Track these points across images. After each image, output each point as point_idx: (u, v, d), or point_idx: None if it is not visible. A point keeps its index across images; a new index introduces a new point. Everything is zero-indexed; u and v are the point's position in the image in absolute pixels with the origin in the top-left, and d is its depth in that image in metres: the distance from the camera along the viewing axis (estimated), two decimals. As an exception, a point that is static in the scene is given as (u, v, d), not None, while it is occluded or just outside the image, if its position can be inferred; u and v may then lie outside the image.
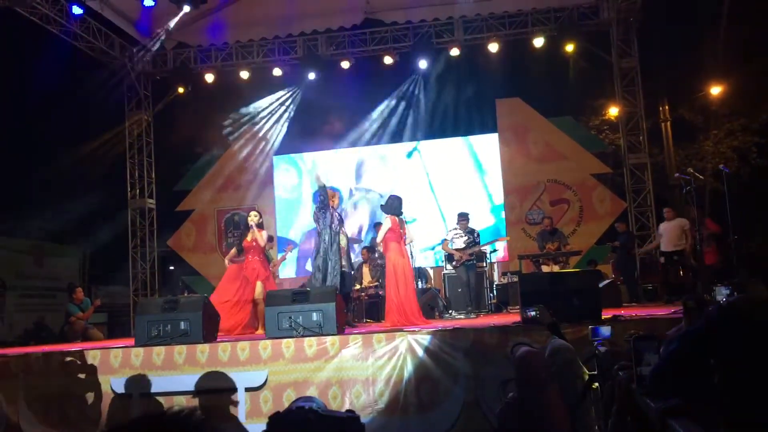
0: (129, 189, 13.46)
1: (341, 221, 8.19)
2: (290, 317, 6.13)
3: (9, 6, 10.46)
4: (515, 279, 11.38)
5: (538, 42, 12.24)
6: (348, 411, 1.73)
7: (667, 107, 15.37)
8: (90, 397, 5.96)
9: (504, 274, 11.65)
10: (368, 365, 5.83)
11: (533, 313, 5.85)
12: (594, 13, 12.32)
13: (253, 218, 8.15)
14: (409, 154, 13.65)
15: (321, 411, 1.71)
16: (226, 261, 8.59)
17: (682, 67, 15.41)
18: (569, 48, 12.25)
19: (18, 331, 14.56)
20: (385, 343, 5.87)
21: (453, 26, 12.69)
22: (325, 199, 7.76)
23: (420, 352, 5.81)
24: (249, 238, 8.08)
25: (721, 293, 5.25)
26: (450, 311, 9.83)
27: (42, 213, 15.74)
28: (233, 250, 8.51)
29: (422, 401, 5.74)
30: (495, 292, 11.08)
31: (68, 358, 6.08)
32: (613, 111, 16.02)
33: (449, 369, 5.73)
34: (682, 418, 1.70)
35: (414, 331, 6.04)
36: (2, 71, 12.84)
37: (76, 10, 11.10)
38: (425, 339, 5.83)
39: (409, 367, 5.80)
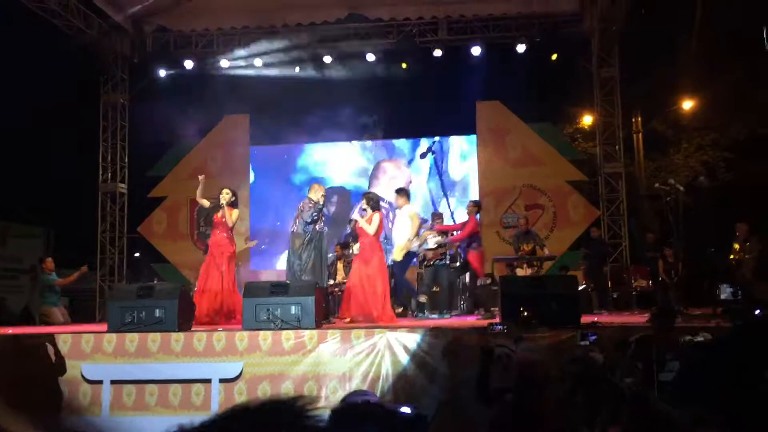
0: (101, 172, 13.19)
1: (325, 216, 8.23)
2: (268, 309, 6.06)
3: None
4: (488, 281, 11.47)
5: (521, 47, 12.33)
6: (413, 406, 1.69)
7: (639, 119, 15.59)
8: (58, 381, 5.82)
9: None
10: (346, 361, 5.80)
11: (500, 328, 5.87)
12: (577, 22, 12.42)
13: (224, 196, 8.06)
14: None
15: (387, 406, 1.67)
16: None
17: (657, 79, 15.62)
18: (550, 55, 12.35)
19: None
20: (363, 339, 5.85)
21: (437, 26, 12.72)
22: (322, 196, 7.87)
23: (398, 349, 5.80)
24: (219, 214, 8.01)
25: (726, 291, 5.45)
26: (423, 311, 9.84)
27: (7, 191, 15.35)
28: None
29: (398, 399, 5.72)
30: (467, 294, 11.11)
31: (38, 341, 5.93)
32: (589, 119, 16.25)
33: (426, 368, 5.73)
34: (715, 428, 1.70)
35: (394, 328, 6.02)
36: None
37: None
38: (404, 337, 5.82)
39: (386, 364, 5.78)
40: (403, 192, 8.89)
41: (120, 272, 13.14)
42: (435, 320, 8.53)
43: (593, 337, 3.61)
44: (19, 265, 16.64)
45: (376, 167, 13.97)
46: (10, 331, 6.60)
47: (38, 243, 17.12)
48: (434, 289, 10.02)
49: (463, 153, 13.69)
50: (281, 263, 12.99)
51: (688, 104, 16.38)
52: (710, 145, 16.49)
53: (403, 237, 8.72)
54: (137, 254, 15.78)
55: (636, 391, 2.32)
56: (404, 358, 5.77)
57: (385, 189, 12.72)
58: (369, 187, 13.38)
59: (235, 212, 8.06)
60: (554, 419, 2.63)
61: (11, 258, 16.70)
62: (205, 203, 8.09)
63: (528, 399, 3.20)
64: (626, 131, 14.38)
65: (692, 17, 14.23)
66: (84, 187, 14.14)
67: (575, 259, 12.37)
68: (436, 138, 13.69)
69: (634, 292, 11.69)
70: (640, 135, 15.58)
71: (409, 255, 9.05)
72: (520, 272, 10.23)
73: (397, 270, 8.94)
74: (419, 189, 13.45)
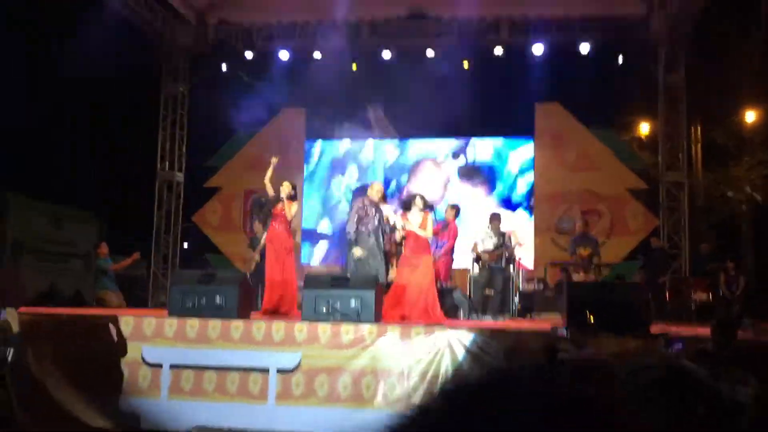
0: (159, 161, 13.38)
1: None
2: (328, 301, 6.02)
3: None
4: (541, 286, 11.29)
5: (584, 49, 12.09)
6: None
7: (699, 128, 15.19)
8: (120, 362, 5.88)
9: (530, 280, 11.50)
10: (404, 358, 5.71)
11: (564, 332, 5.72)
12: (643, 25, 12.13)
13: (285, 188, 8.02)
14: (456, 155, 13.57)
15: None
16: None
17: (720, 89, 15.18)
18: (614, 58, 12.08)
19: (30, 294, 14.52)
20: (423, 337, 5.75)
21: (499, 25, 12.55)
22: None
23: (458, 349, 5.68)
24: (279, 206, 7.98)
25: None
26: (476, 313, 9.71)
27: (64, 176, 15.67)
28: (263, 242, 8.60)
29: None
30: (519, 297, 10.95)
31: (101, 322, 6.00)
32: (645, 127, 15.87)
33: (487, 369, 5.61)
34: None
35: (454, 327, 5.92)
36: (43, 32, 12.83)
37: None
38: (465, 337, 5.70)
39: (446, 363, 5.68)
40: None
41: (173, 260, 13.29)
42: (489, 323, 8.40)
43: (679, 345, 3.45)
44: (73, 249, 16.96)
45: (417, 165, 13.90)
46: (77, 311, 6.69)
47: (93, 228, 17.44)
48: (486, 292, 9.90)
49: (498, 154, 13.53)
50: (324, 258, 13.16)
51: (751, 115, 15.88)
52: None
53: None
54: (185, 245, 15.99)
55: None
56: (465, 358, 5.66)
57: (422, 188, 12.68)
58: (407, 185, 13.39)
59: (294, 205, 8.02)
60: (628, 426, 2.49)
61: (65, 242, 17.03)
62: (271, 189, 8.05)
63: (598, 404, 3.06)
64: (686, 140, 14.01)
65: (761, 27, 13.83)
66: (141, 175, 14.38)
67: (632, 268, 12.10)
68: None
69: (693, 305, 11.34)
70: (699, 145, 15.19)
71: None
72: (576, 278, 10.03)
73: None
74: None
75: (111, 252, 11.32)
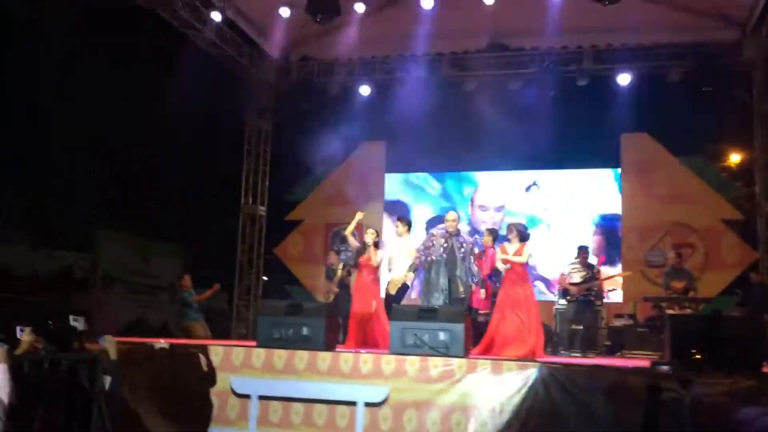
0: (243, 195, 13.65)
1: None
2: (416, 334, 5.89)
3: (150, 7, 10.86)
4: (630, 322, 10.83)
5: (672, 77, 11.73)
6: None
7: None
8: (209, 393, 5.90)
9: (618, 316, 11.05)
10: (496, 394, 5.50)
11: (667, 368, 5.40)
12: (736, 51, 11.67)
13: (370, 236, 7.99)
14: (528, 188, 13.40)
15: None
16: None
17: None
18: (705, 85, 11.64)
19: (119, 326, 14.96)
20: (516, 372, 5.53)
21: (582, 55, 12.33)
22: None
23: (553, 385, 5.44)
24: (365, 255, 7.95)
25: None
26: (561, 348, 9.39)
27: (151, 210, 16.19)
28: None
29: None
30: (608, 333, 10.54)
31: (191, 351, 6.06)
32: (738, 157, 15.20)
33: (583, 407, 5.33)
34: None
35: (548, 363, 5.68)
36: (136, 69, 13.40)
37: (216, 16, 11.41)
38: (560, 373, 5.46)
39: (540, 401, 5.44)
40: (404, 221, 8.35)
41: (255, 292, 13.45)
42: (577, 359, 8.08)
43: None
44: (159, 282, 17.45)
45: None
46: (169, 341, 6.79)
47: (177, 261, 17.91)
48: (574, 326, 9.57)
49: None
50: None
51: None
52: None
53: (401, 270, 8.05)
54: (265, 278, 16.16)
55: None
56: (559, 396, 5.40)
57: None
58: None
59: (380, 253, 7.96)
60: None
61: (152, 275, 17.53)
62: (353, 242, 8.08)
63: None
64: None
65: None
66: (225, 209, 14.69)
67: (728, 304, 11.47)
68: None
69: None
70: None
71: (404, 287, 8.20)
72: (670, 313, 9.56)
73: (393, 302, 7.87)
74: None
75: (195, 285, 11.53)
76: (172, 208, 16.95)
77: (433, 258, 7.62)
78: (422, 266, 7.72)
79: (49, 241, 14.74)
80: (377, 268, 7.95)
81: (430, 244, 7.73)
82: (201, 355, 5.97)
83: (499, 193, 13.65)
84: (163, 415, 5.92)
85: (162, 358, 6.05)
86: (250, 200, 13.68)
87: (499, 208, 13.54)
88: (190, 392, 5.96)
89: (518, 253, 7.36)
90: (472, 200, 13.79)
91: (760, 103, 11.60)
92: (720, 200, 12.21)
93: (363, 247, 8.02)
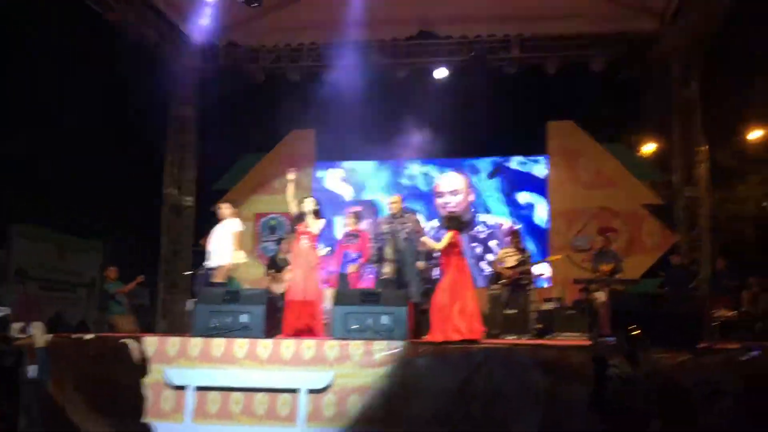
0: (165, 185, 13.15)
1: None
2: (359, 318, 5.79)
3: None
4: (558, 305, 11.04)
5: (596, 66, 12.02)
6: None
7: (706, 147, 15.04)
8: (141, 385, 5.62)
9: (548, 300, 11.26)
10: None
11: (611, 340, 5.51)
12: (656, 41, 12.04)
13: (309, 204, 7.77)
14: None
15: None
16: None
17: (727, 105, 15.08)
18: (626, 74, 11.99)
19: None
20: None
21: (509, 44, 12.47)
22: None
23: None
24: (302, 225, 7.73)
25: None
26: (495, 332, 9.47)
27: (67, 203, 15.43)
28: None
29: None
30: (538, 317, 10.71)
31: (121, 344, 5.75)
32: (655, 145, 15.75)
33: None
34: None
35: (491, 344, 5.69)
36: (50, 51, 12.70)
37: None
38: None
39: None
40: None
41: (184, 286, 12.98)
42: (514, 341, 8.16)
43: (757, 353, 3.25)
44: (78, 279, 16.70)
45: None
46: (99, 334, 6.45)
47: (97, 256, 17.17)
48: (508, 311, 9.68)
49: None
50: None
51: (756, 134, 15.78)
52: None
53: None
54: (191, 272, 15.68)
55: None
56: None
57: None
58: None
59: (321, 221, 7.76)
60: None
61: (70, 271, 16.75)
62: (294, 206, 7.80)
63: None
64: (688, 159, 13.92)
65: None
66: (145, 200, 14.11)
67: (650, 286, 11.87)
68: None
69: (716, 323, 11.08)
70: (705, 163, 15.03)
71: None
72: (597, 296, 9.79)
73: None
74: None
75: (118, 281, 11.11)
76: (91, 202, 16.17)
77: (380, 246, 7.60)
78: (372, 257, 7.66)
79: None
80: (317, 236, 7.74)
81: (378, 232, 7.69)
82: (132, 347, 5.67)
83: (430, 181, 13.67)
84: (92, 410, 5.61)
85: (90, 349, 5.72)
86: (176, 191, 13.18)
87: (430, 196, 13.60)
88: (120, 385, 5.66)
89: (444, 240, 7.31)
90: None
91: (678, 91, 12.03)
92: (641, 186, 12.63)
93: (300, 216, 7.77)
